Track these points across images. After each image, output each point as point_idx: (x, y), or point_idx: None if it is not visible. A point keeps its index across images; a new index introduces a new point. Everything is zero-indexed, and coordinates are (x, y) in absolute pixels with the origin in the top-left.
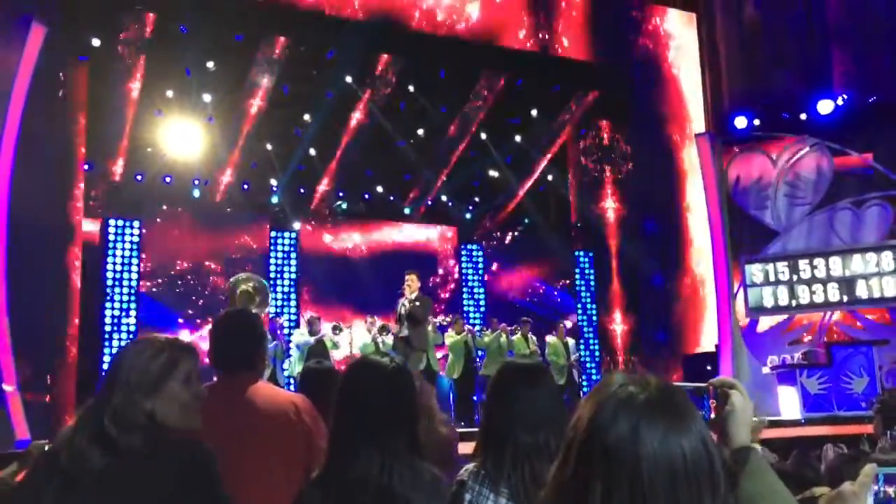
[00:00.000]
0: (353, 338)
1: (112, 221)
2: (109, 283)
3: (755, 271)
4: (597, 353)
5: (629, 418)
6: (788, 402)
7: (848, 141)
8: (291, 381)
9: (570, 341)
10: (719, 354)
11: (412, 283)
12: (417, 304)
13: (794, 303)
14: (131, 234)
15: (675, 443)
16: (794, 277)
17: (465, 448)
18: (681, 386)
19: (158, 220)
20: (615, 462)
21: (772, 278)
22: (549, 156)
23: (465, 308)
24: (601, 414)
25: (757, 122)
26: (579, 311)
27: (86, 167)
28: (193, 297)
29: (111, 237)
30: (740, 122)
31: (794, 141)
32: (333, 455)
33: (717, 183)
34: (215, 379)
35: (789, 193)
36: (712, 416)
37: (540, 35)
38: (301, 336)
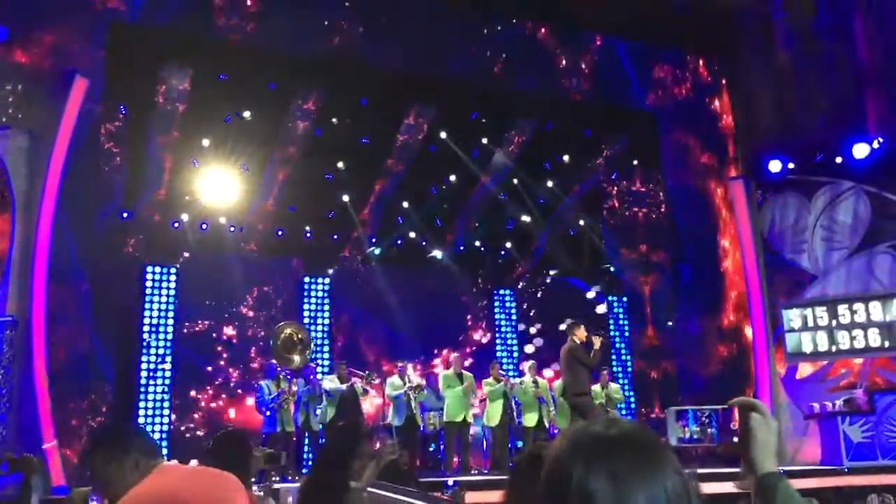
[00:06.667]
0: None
1: (150, 268)
2: (146, 328)
3: (793, 316)
4: (632, 402)
5: (601, 463)
6: (830, 451)
7: (884, 184)
8: (320, 427)
9: (613, 387)
10: None
11: (581, 333)
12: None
13: (833, 348)
14: (168, 281)
15: (657, 484)
16: (834, 322)
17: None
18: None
19: (194, 266)
20: None
21: (810, 323)
22: (580, 201)
23: (499, 354)
24: (569, 460)
25: (791, 165)
26: (613, 358)
27: (125, 215)
28: (228, 343)
29: (148, 284)
30: (774, 166)
31: (829, 184)
32: None
33: (751, 227)
34: None
35: (826, 237)
36: (735, 440)
37: (569, 80)
38: (331, 383)
